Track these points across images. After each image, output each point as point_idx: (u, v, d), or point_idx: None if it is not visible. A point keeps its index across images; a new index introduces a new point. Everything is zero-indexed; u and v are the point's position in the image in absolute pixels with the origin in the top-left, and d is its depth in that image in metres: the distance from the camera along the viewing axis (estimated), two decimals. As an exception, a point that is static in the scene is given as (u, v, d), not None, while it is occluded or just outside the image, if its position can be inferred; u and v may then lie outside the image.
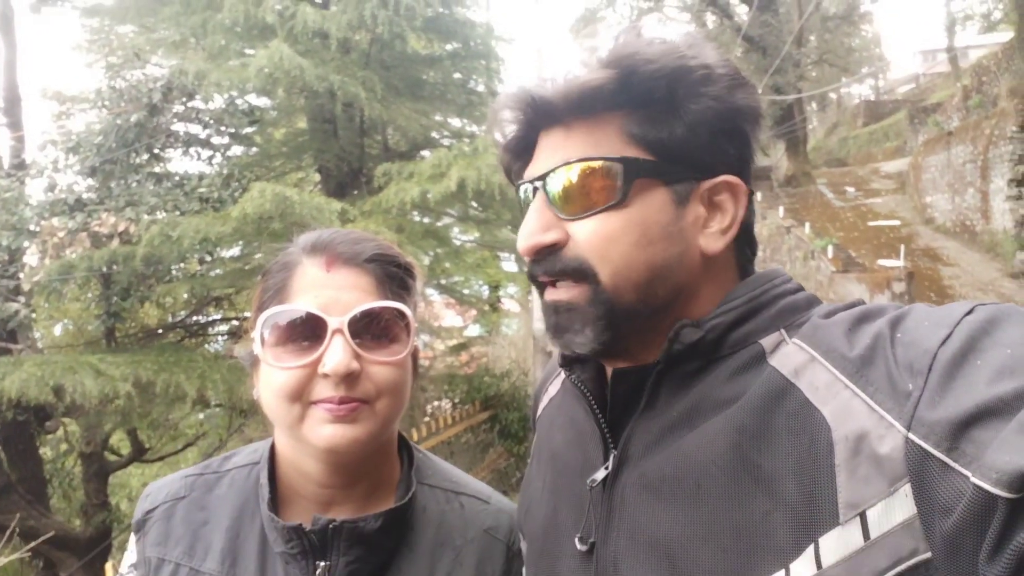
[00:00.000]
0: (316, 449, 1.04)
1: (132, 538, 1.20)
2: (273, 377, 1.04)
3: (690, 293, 0.93)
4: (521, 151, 1.00)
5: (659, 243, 0.90)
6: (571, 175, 0.90)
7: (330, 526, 1.06)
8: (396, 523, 1.12)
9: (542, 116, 0.94)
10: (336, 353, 1.01)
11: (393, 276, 1.13)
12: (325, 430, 1.02)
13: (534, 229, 0.92)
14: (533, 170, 0.95)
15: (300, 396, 1.02)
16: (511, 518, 1.25)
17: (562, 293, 0.92)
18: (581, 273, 0.90)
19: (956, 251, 15.60)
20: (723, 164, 0.93)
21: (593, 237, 0.89)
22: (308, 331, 1.03)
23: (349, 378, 1.02)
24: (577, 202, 0.90)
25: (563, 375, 1.15)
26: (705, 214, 0.93)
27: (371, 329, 1.06)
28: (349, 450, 1.04)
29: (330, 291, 1.06)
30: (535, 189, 0.94)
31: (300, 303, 1.05)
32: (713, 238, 0.93)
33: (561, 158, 0.91)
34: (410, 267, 1.17)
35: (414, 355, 1.17)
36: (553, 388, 1.22)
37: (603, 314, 0.89)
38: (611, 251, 0.89)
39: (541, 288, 0.97)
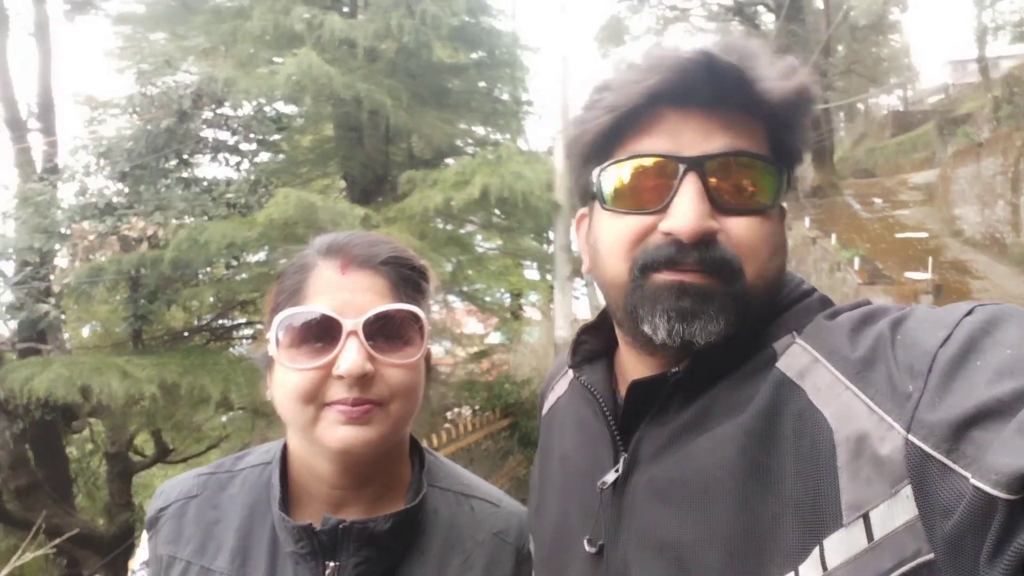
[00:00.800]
0: (329, 450, 1.05)
1: (144, 535, 1.21)
2: (287, 378, 1.04)
3: (772, 302, 0.94)
4: (627, 121, 0.91)
5: (783, 253, 0.93)
6: (740, 167, 0.88)
7: (340, 526, 1.06)
8: (406, 525, 1.12)
9: (725, 93, 0.87)
10: (351, 355, 1.01)
11: (408, 279, 1.13)
12: (339, 431, 1.02)
13: (703, 212, 0.86)
14: (675, 146, 0.88)
15: (314, 397, 1.03)
16: (521, 521, 1.25)
17: (699, 278, 0.87)
18: (729, 268, 0.87)
19: (985, 264, 15.35)
20: (789, 189, 0.96)
21: (752, 236, 0.88)
22: (323, 333, 1.04)
23: (363, 380, 1.02)
24: (738, 196, 0.88)
25: (570, 375, 1.16)
26: None
27: (385, 331, 1.06)
28: (362, 451, 1.04)
29: (345, 293, 1.06)
30: (687, 169, 0.86)
31: (315, 305, 1.05)
32: None
33: (724, 145, 0.87)
34: (424, 270, 1.17)
35: (427, 358, 1.17)
36: (560, 387, 1.22)
37: (741, 308, 0.87)
38: (762, 253, 0.89)
39: (651, 272, 0.89)
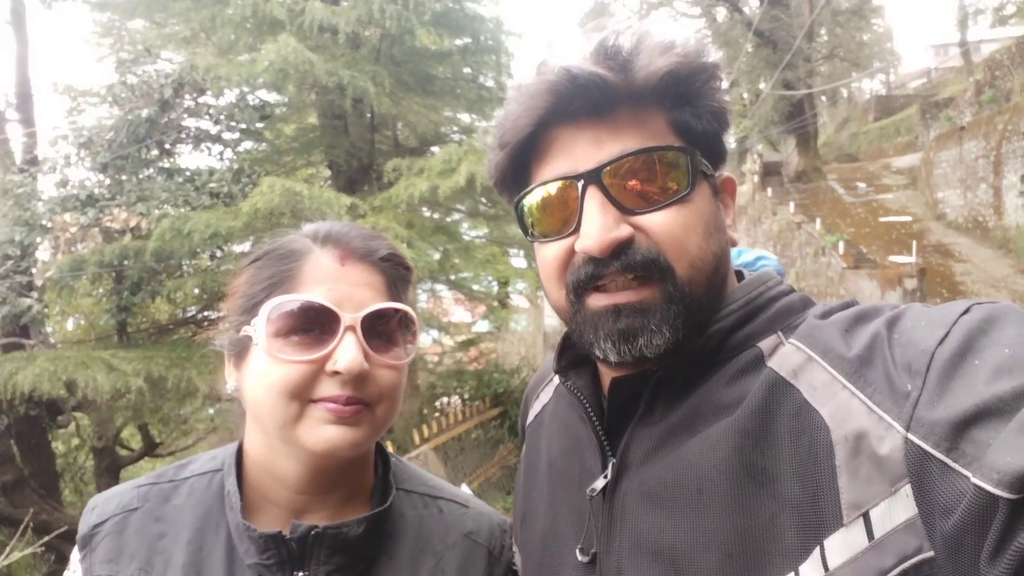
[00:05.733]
0: (309, 451, 0.99)
1: (75, 555, 1.09)
2: (271, 371, 0.97)
3: (723, 286, 0.93)
4: (524, 151, 0.93)
5: (715, 234, 0.90)
6: (638, 166, 0.86)
7: (312, 533, 1.00)
8: (378, 529, 1.07)
9: (597, 102, 0.86)
10: (350, 351, 0.96)
11: (402, 278, 1.09)
12: (326, 431, 0.97)
13: (608, 224, 0.84)
14: (572, 165, 0.87)
15: (301, 393, 0.97)
16: (491, 522, 1.22)
17: (630, 295, 0.86)
18: (656, 267, 0.85)
19: (968, 247, 15.51)
20: (720, 160, 0.95)
21: (672, 228, 0.85)
22: (317, 325, 0.98)
23: (358, 378, 0.97)
24: (646, 194, 0.86)
25: (555, 381, 1.14)
26: (722, 207, 0.95)
27: (379, 330, 1.02)
28: (348, 454, 0.99)
29: (344, 286, 1.01)
30: (585, 185, 0.86)
31: (311, 294, 0.99)
32: (731, 230, 0.95)
33: (617, 150, 0.86)
34: (412, 271, 1.14)
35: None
36: (545, 395, 1.20)
37: (681, 311, 0.85)
38: (688, 243, 0.86)
39: (583, 293, 0.90)
